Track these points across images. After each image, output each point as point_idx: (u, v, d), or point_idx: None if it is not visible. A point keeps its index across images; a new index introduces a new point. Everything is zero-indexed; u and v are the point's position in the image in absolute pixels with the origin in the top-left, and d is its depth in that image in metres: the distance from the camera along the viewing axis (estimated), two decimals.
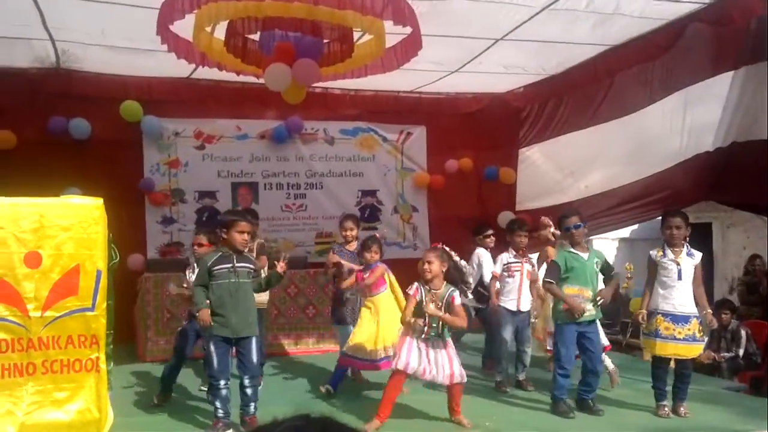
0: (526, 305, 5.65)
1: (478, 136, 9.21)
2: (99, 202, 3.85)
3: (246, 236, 4.54)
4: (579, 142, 8.22)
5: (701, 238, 11.16)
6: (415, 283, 4.49)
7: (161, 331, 6.87)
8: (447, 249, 4.63)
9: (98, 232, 3.83)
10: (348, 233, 5.85)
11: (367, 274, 5.24)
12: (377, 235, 5.70)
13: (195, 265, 4.96)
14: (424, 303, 4.38)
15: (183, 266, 5.74)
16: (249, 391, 4.43)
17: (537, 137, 9.00)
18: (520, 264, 5.64)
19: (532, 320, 5.97)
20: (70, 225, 3.73)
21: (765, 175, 6.40)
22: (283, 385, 5.81)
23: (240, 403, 4.45)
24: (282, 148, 8.62)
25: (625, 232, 11.75)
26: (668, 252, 4.78)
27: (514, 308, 5.60)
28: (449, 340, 4.54)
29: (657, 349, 4.73)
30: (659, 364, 4.81)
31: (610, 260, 7.20)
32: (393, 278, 5.41)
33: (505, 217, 8.89)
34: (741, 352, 6.73)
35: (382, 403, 4.43)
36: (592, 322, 4.87)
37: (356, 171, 8.95)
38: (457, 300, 4.41)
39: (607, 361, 5.47)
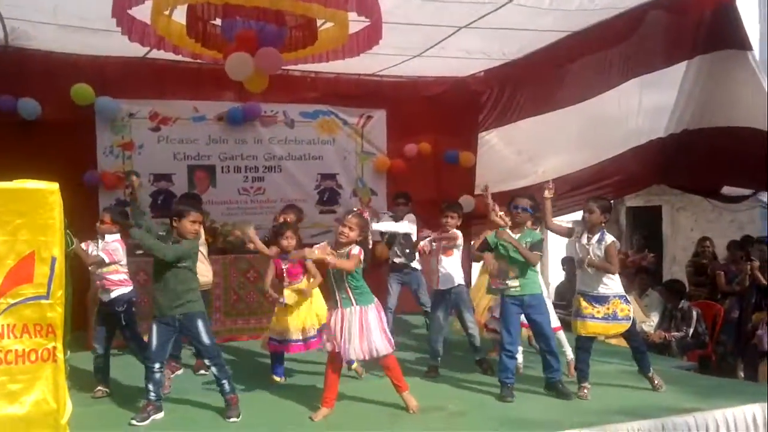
0: (445, 285, 5.64)
1: (439, 120, 9.23)
2: (55, 186, 3.70)
3: (197, 226, 4.54)
4: (537, 128, 8.34)
5: (652, 220, 11.52)
6: (325, 244, 4.42)
7: None
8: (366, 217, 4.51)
9: (54, 218, 3.68)
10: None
11: (287, 265, 5.13)
12: (289, 219, 5.58)
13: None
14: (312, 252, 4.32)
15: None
16: (214, 370, 4.45)
17: (496, 122, 9.08)
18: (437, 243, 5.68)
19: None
20: (24, 210, 3.58)
21: (713, 161, 6.63)
22: (242, 370, 5.76)
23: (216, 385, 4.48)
24: (240, 130, 8.47)
25: (578, 215, 12.01)
26: (583, 236, 4.94)
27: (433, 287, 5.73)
28: (368, 309, 4.37)
29: (579, 328, 4.92)
30: (580, 343, 4.98)
31: (563, 242, 7.36)
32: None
33: (465, 202, 8.97)
34: (691, 331, 6.97)
35: (325, 387, 4.42)
36: (529, 299, 4.89)
37: (316, 154, 8.87)
38: (354, 251, 4.29)
39: (566, 348, 5.55)
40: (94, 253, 5.02)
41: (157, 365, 4.37)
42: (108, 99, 7.72)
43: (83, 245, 5.10)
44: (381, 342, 4.37)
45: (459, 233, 5.68)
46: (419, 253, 5.99)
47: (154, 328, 4.41)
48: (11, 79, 7.19)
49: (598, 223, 4.93)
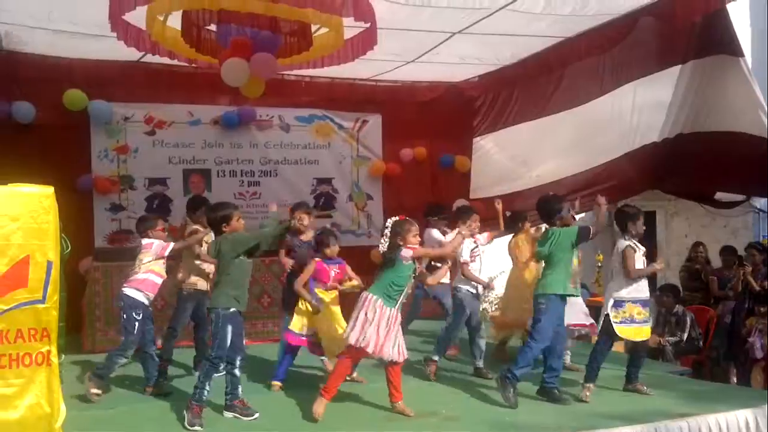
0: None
1: (434, 125, 9.27)
2: (50, 190, 3.70)
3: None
4: (531, 132, 8.37)
5: (646, 225, 11.49)
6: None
7: (111, 321, 6.68)
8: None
9: (49, 222, 3.68)
10: (300, 224, 5.76)
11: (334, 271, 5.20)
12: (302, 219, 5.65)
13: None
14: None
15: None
16: (238, 372, 4.50)
17: (491, 126, 9.11)
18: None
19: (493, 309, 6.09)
20: (19, 214, 3.57)
21: (707, 166, 6.67)
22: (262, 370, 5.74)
23: (229, 388, 4.49)
24: (236, 134, 8.49)
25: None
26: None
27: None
28: (398, 313, 4.46)
29: (636, 334, 4.96)
30: (607, 346, 5.02)
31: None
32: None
33: (460, 204, 8.99)
34: (685, 336, 6.99)
35: (329, 381, 4.44)
36: (538, 299, 4.88)
37: (311, 159, 8.89)
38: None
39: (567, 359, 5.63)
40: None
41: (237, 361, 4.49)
42: (102, 102, 7.72)
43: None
44: (404, 348, 4.50)
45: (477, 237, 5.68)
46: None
47: (230, 327, 4.39)
48: (5, 83, 7.21)
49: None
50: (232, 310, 4.42)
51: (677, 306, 7.21)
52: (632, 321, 4.93)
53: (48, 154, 7.02)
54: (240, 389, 4.51)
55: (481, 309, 6.12)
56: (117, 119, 7.94)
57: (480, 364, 5.67)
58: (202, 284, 5.37)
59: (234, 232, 4.50)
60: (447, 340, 5.73)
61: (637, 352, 5.13)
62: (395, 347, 4.40)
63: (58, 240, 3.75)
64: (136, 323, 4.86)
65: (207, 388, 4.33)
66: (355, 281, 5.24)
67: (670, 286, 7.64)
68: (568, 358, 5.72)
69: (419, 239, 4.56)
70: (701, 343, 7.10)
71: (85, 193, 7.74)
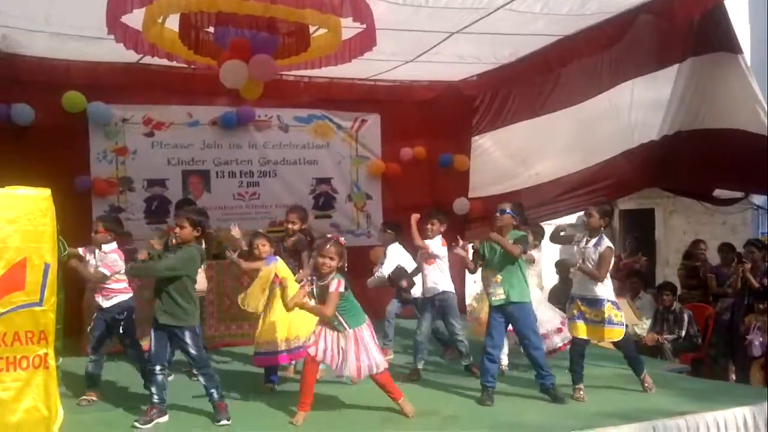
0: (428, 292, 5.69)
1: (433, 124, 9.25)
2: (47, 193, 3.71)
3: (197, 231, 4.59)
4: (530, 131, 8.38)
5: (645, 223, 11.56)
6: (308, 272, 4.54)
7: None
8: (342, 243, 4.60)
9: (46, 225, 3.68)
10: (290, 226, 5.82)
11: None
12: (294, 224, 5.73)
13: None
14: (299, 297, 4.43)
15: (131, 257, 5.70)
16: (202, 379, 4.48)
17: (489, 125, 9.12)
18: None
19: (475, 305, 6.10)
20: (15, 217, 3.58)
21: (706, 164, 6.66)
22: (235, 375, 5.76)
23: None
24: (235, 135, 8.48)
25: (572, 218, 12.03)
26: (583, 240, 5.02)
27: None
28: (361, 330, 4.44)
29: (576, 330, 4.99)
30: (575, 346, 5.04)
31: (556, 246, 7.36)
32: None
33: (460, 204, 9.00)
34: (683, 333, 7.00)
35: (301, 392, 4.44)
36: (513, 308, 4.88)
37: (310, 159, 8.89)
38: (332, 287, 4.33)
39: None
40: (92, 264, 4.99)
41: (158, 367, 4.43)
42: (101, 104, 7.72)
43: (81, 251, 5.08)
44: (377, 359, 4.45)
45: (427, 244, 5.65)
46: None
47: (152, 332, 4.47)
48: (3, 86, 7.19)
49: (597, 227, 4.97)
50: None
51: (675, 303, 7.22)
52: (575, 318, 4.97)
53: (46, 157, 6.99)
54: (214, 394, 4.45)
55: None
56: (115, 121, 7.93)
57: (469, 361, 5.68)
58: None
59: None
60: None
61: (620, 348, 5.14)
62: (362, 362, 4.38)
63: (55, 242, 3.75)
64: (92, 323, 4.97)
65: (152, 390, 4.45)
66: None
67: (667, 284, 7.65)
68: (505, 359, 5.69)
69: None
70: (699, 340, 7.10)
71: (84, 195, 7.73)
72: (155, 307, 4.47)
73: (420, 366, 5.63)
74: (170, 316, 4.43)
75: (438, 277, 5.66)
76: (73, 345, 6.16)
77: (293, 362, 5.48)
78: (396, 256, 6.43)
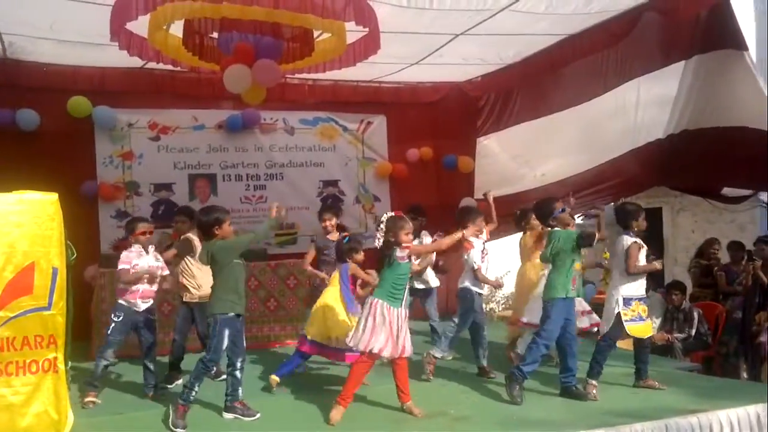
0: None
1: (438, 126, 9.26)
2: (54, 197, 3.73)
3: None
4: (535, 131, 8.34)
5: (652, 222, 11.46)
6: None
7: None
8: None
9: (53, 229, 3.71)
10: (327, 224, 6.07)
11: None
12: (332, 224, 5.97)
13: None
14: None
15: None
16: (239, 374, 4.53)
17: (494, 126, 9.08)
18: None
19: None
20: (23, 221, 3.60)
21: (713, 162, 6.63)
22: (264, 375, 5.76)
23: (229, 389, 4.51)
24: (240, 138, 8.50)
25: (577, 218, 12.01)
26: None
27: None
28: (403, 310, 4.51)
29: (639, 331, 5.00)
30: (608, 345, 5.02)
31: None
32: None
33: (466, 204, 8.94)
34: (693, 332, 6.96)
35: (348, 386, 4.43)
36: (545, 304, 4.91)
37: (317, 161, 8.89)
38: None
39: None
40: (144, 264, 4.97)
41: (238, 363, 4.53)
42: (106, 108, 7.75)
43: (126, 252, 5.03)
44: (410, 343, 4.54)
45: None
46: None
47: (226, 331, 4.43)
48: (9, 91, 7.24)
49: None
50: (230, 314, 4.45)
51: (684, 302, 7.18)
52: (640, 319, 4.96)
53: (53, 161, 7.02)
54: (240, 391, 4.52)
55: (488, 309, 6.12)
56: (121, 125, 7.96)
57: (484, 363, 5.65)
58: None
59: (225, 237, 4.54)
60: (454, 339, 5.70)
61: (642, 347, 5.15)
62: (407, 343, 4.47)
63: (63, 246, 3.76)
64: (112, 325, 4.93)
65: (196, 389, 4.37)
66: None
67: (677, 283, 7.61)
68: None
69: (411, 237, 4.56)
70: (710, 339, 7.06)
71: (91, 199, 7.75)
72: (231, 300, 4.47)
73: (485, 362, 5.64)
74: (241, 305, 4.55)
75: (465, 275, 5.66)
76: (82, 349, 6.15)
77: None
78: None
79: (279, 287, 7.40)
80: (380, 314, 4.39)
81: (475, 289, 5.65)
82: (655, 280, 8.24)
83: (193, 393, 4.35)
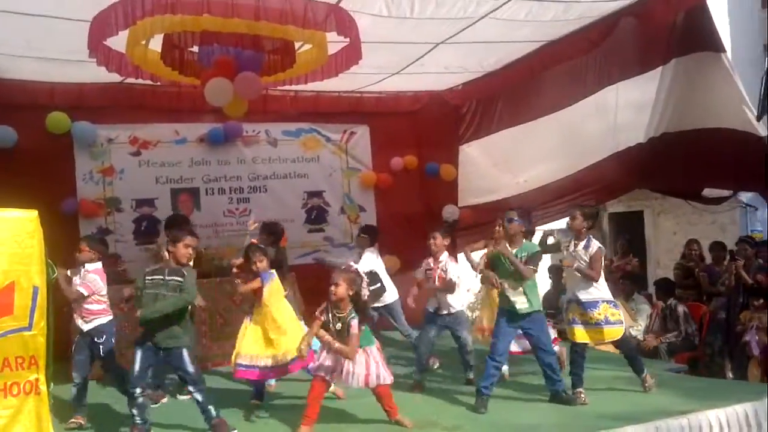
0: (445, 309, 5.59)
1: (420, 134, 9.29)
2: (33, 214, 3.65)
3: (191, 251, 4.58)
4: (517, 138, 8.38)
5: (634, 225, 11.60)
6: (324, 304, 4.44)
7: None
8: (360, 273, 4.56)
9: (33, 247, 3.62)
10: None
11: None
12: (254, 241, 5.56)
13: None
14: (325, 330, 4.36)
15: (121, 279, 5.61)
16: (198, 396, 4.41)
17: (476, 134, 9.12)
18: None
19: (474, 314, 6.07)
20: (2, 240, 3.52)
21: (693, 163, 6.69)
22: (230, 395, 5.67)
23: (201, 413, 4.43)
24: (223, 151, 8.45)
25: (562, 223, 12.07)
26: (571, 244, 5.03)
27: (431, 309, 5.65)
28: (370, 349, 4.44)
29: (574, 335, 4.97)
30: (575, 349, 5.01)
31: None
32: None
33: (449, 211, 8.95)
34: (682, 329, 7.01)
35: (307, 406, 4.40)
36: (530, 316, 4.86)
37: (301, 172, 8.85)
38: (354, 329, 4.31)
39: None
40: (75, 283, 4.92)
41: (138, 390, 4.34)
42: (86, 124, 7.67)
43: (69, 272, 5.00)
44: (383, 372, 4.43)
45: (452, 265, 5.66)
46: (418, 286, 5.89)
47: (138, 353, 4.38)
48: None
49: (580, 229, 5.00)
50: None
51: (670, 299, 7.26)
52: (574, 322, 4.97)
53: (31, 179, 6.90)
54: (211, 411, 4.39)
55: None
56: (101, 141, 7.87)
57: (471, 375, 5.63)
58: None
59: (177, 256, 4.48)
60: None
61: (622, 351, 5.17)
62: (370, 373, 4.36)
63: (43, 265, 3.69)
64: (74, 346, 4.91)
65: (134, 412, 4.36)
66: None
67: (664, 280, 7.70)
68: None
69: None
70: (697, 339, 7.10)
71: (71, 217, 7.63)
72: (146, 330, 4.39)
73: (471, 375, 5.60)
74: (171, 338, 4.38)
75: (451, 296, 5.58)
76: (63, 369, 6.03)
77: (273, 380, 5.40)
78: (370, 261, 6.40)
79: (224, 303, 7.12)
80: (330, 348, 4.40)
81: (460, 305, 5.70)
82: (638, 283, 8.30)
83: (137, 419, 4.33)
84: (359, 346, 4.36)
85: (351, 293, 4.36)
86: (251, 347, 5.01)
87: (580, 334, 4.95)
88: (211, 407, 4.40)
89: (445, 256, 5.65)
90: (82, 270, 4.93)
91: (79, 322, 4.91)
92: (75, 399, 4.87)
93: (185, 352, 4.42)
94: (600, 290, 4.95)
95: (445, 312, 5.56)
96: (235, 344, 5.13)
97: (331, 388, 5.16)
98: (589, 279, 4.89)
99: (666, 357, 6.88)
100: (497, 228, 5.61)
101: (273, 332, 4.93)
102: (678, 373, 5.96)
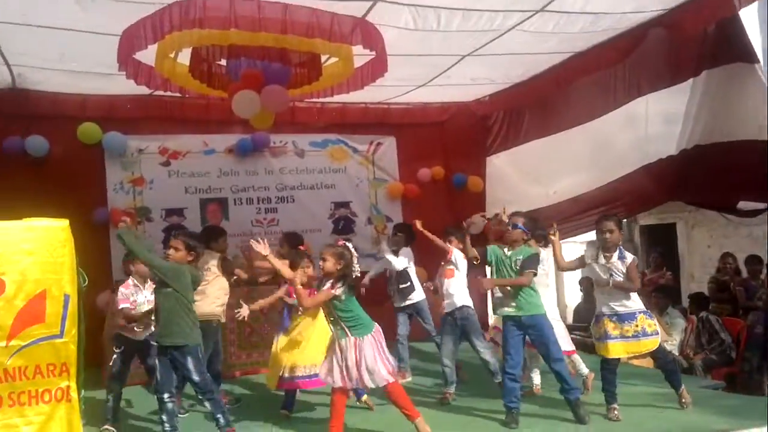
0: (448, 307, 5.60)
1: (447, 145, 9.25)
2: (65, 223, 3.71)
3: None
4: (545, 149, 8.31)
5: (666, 238, 11.39)
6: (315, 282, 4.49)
7: None
8: (349, 248, 4.48)
9: (65, 256, 3.68)
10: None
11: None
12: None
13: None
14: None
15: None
16: (208, 404, 4.42)
17: (503, 145, 9.07)
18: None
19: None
20: (34, 249, 3.58)
21: (727, 175, 6.55)
22: (257, 403, 5.68)
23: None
24: (251, 162, 8.51)
25: (592, 234, 11.88)
26: (600, 257, 4.87)
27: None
28: (362, 340, 4.30)
29: (609, 350, 4.79)
30: (607, 365, 4.85)
31: None
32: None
33: (475, 221, 8.85)
34: (721, 337, 6.84)
35: (331, 417, 4.36)
36: (532, 321, 4.79)
37: (328, 183, 8.87)
38: (324, 287, 4.29)
39: (581, 367, 5.55)
40: (140, 297, 4.95)
41: (166, 396, 4.35)
42: (116, 134, 7.78)
43: (123, 289, 5.00)
44: (379, 372, 4.29)
45: (451, 248, 5.70)
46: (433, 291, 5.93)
47: (160, 358, 4.43)
48: (19, 120, 7.30)
49: (618, 242, 4.88)
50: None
51: (702, 312, 7.10)
52: (606, 337, 4.80)
53: (63, 188, 7.01)
54: (220, 419, 4.39)
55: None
56: (131, 151, 7.99)
57: (500, 378, 5.54)
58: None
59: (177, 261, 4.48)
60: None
61: (659, 365, 5.04)
62: (362, 373, 4.29)
63: (74, 273, 3.73)
64: (114, 357, 4.93)
65: (162, 418, 4.38)
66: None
67: (698, 294, 7.56)
68: (537, 378, 5.63)
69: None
70: (733, 352, 6.93)
71: (102, 226, 7.74)
72: (158, 332, 4.44)
73: (451, 390, 5.52)
74: (168, 336, 4.38)
75: (457, 290, 5.59)
76: (94, 376, 6.10)
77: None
78: (405, 260, 6.37)
79: (271, 311, 7.21)
80: (331, 344, 4.42)
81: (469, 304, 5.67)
82: (671, 296, 8.14)
83: (166, 425, 4.34)
84: (359, 336, 4.31)
85: (339, 267, 4.31)
86: (308, 356, 5.03)
87: (615, 349, 4.79)
88: (221, 416, 4.37)
89: (454, 252, 5.67)
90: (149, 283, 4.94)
91: (129, 330, 4.95)
92: (112, 410, 4.91)
93: (189, 358, 4.35)
94: (636, 301, 4.84)
95: (453, 309, 5.55)
96: (277, 357, 5.14)
97: (364, 398, 5.16)
98: (628, 291, 4.77)
99: (702, 373, 6.72)
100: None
101: (321, 338, 4.92)
102: (715, 390, 5.80)
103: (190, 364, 4.35)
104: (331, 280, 4.30)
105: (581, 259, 5.03)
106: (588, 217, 7.98)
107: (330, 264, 4.31)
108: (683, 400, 4.89)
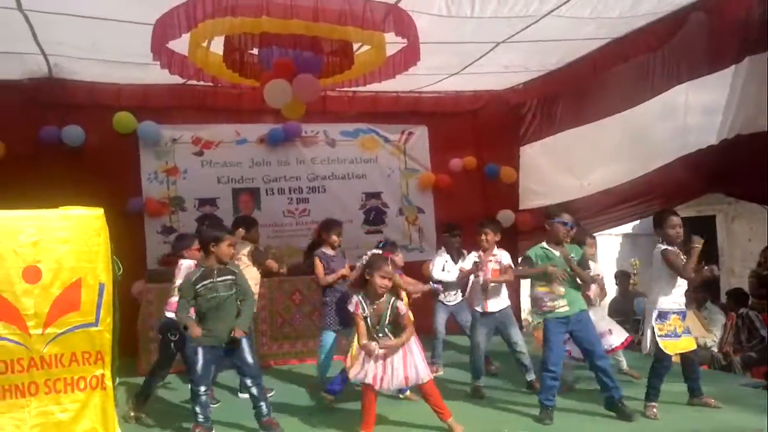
0: (495, 306, 5.51)
1: (480, 135, 9.14)
2: (99, 212, 3.75)
3: (233, 249, 4.63)
4: (579, 139, 8.13)
5: (705, 231, 11.10)
6: (354, 297, 4.39)
7: None
8: (394, 259, 4.54)
9: (99, 244, 3.72)
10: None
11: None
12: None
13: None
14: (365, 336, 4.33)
15: None
16: (254, 390, 4.44)
17: (537, 134, 8.90)
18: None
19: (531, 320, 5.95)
20: (69, 237, 3.62)
21: None
22: (290, 394, 5.70)
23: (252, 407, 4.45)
24: (282, 151, 8.52)
25: (628, 227, 11.66)
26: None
27: (480, 309, 5.53)
28: (411, 338, 4.38)
29: (677, 348, 4.68)
30: (666, 363, 4.72)
31: (613, 256, 7.09)
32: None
33: (504, 216, 8.76)
34: (763, 333, 6.68)
35: (362, 414, 4.36)
36: (576, 318, 4.73)
37: (359, 173, 8.84)
38: (402, 309, 4.31)
39: (623, 360, 5.49)
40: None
41: (202, 388, 4.38)
42: (151, 124, 7.86)
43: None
44: (422, 368, 4.36)
45: (506, 254, 5.59)
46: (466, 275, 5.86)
47: (200, 351, 4.41)
48: (55, 110, 7.41)
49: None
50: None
51: (742, 309, 6.92)
52: (675, 335, 4.68)
53: (98, 177, 7.12)
54: (263, 407, 4.45)
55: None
56: (165, 141, 8.06)
57: (530, 377, 5.50)
58: None
59: (220, 256, 4.48)
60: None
61: (686, 363, 4.88)
62: (410, 370, 4.31)
63: (109, 262, 3.78)
64: (170, 344, 4.91)
65: (196, 410, 4.37)
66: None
67: (736, 290, 7.35)
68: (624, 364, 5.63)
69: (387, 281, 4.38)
70: None
71: (136, 215, 7.85)
72: (207, 325, 4.41)
73: (481, 383, 5.49)
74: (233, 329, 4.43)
75: (502, 290, 5.55)
76: (128, 365, 6.20)
77: None
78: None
79: (284, 303, 7.28)
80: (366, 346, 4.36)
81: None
82: (711, 292, 7.93)
83: (200, 417, 4.35)
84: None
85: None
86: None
87: (680, 345, 4.70)
88: (263, 404, 4.43)
89: (497, 250, 5.59)
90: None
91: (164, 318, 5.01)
92: (144, 396, 4.95)
93: (246, 342, 4.47)
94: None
95: (494, 310, 5.47)
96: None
97: (407, 393, 5.13)
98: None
99: (741, 371, 6.55)
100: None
101: None
102: (755, 388, 5.63)
103: (248, 348, 4.47)
104: (399, 302, 4.37)
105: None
106: (622, 209, 7.83)
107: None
108: (705, 401, 4.81)
